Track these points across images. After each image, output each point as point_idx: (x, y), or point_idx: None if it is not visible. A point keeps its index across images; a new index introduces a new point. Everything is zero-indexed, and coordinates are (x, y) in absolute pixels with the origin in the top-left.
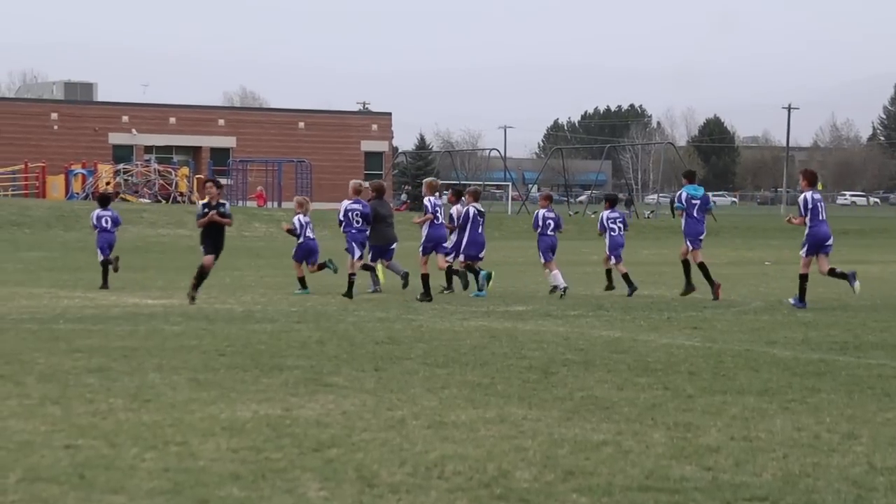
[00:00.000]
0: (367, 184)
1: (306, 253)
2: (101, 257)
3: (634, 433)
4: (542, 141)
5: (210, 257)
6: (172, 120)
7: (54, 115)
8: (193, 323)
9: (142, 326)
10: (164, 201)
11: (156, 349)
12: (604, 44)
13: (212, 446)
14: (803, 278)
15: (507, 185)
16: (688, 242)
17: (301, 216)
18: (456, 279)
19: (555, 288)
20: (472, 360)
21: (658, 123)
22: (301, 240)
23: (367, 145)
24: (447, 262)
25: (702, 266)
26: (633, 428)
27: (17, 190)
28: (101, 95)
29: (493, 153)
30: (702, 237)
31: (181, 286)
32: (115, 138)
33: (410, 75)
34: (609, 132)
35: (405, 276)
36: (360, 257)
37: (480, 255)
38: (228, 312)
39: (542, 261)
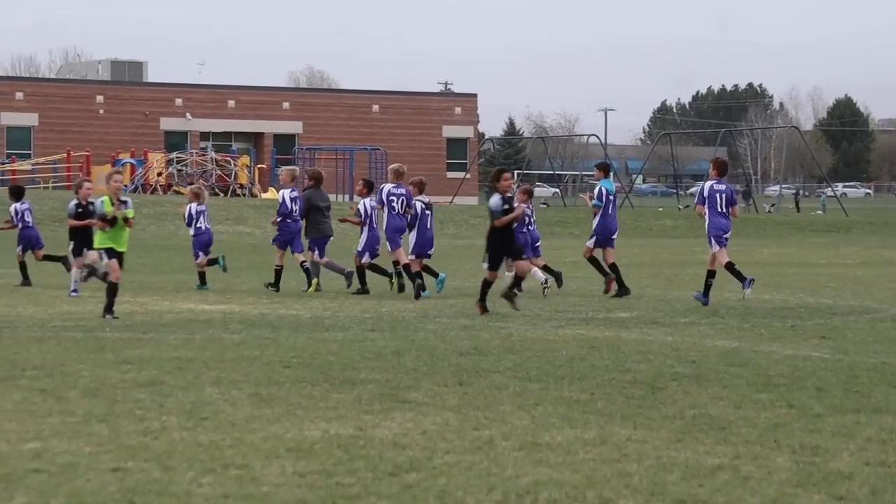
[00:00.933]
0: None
1: (202, 245)
2: (22, 257)
3: (754, 457)
4: (648, 125)
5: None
6: (231, 103)
7: (100, 98)
8: (255, 331)
9: (198, 335)
10: (222, 194)
11: (213, 360)
12: (718, 15)
13: (276, 470)
14: None
15: None
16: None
17: (195, 205)
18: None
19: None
20: (569, 373)
21: (780, 105)
22: (192, 231)
23: (450, 131)
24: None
25: (613, 266)
26: (752, 451)
27: (59, 182)
28: (152, 76)
29: (592, 139)
30: (726, 235)
31: (242, 289)
32: (168, 124)
33: (499, 51)
34: (724, 115)
35: (349, 276)
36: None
37: (429, 252)
38: (294, 319)
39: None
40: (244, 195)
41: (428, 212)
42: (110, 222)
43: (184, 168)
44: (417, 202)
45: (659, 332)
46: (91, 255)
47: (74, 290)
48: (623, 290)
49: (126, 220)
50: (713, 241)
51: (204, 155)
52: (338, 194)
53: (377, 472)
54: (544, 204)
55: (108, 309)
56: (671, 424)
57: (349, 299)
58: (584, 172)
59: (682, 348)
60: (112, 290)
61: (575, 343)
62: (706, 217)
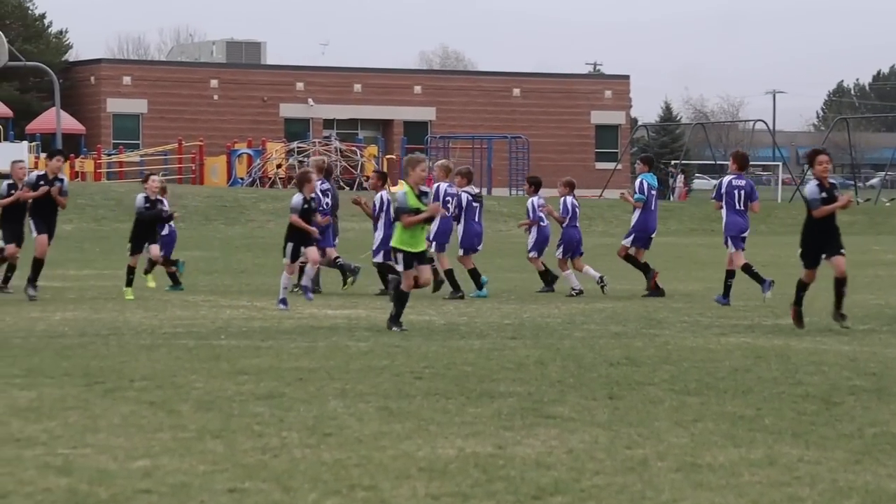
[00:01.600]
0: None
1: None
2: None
3: None
4: (822, 109)
5: (44, 237)
6: (357, 87)
7: (214, 83)
8: (384, 338)
9: (321, 343)
10: (347, 188)
11: (337, 371)
12: None
13: (407, 491)
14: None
15: (777, 166)
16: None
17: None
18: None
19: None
20: (732, 386)
21: None
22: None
23: (599, 116)
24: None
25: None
26: None
27: (170, 174)
28: (271, 57)
29: (759, 125)
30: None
31: (369, 293)
32: (288, 110)
33: (652, 27)
34: None
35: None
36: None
37: (478, 248)
38: (427, 325)
39: (560, 257)
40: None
41: (476, 204)
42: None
43: (305, 159)
44: (464, 194)
45: (834, 341)
46: (153, 250)
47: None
48: (657, 292)
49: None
50: (729, 242)
51: (327, 144)
52: (479, 187)
53: (518, 494)
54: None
55: (394, 318)
56: (848, 444)
57: (486, 303)
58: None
59: (860, 359)
60: (400, 299)
61: (739, 353)
62: (723, 215)
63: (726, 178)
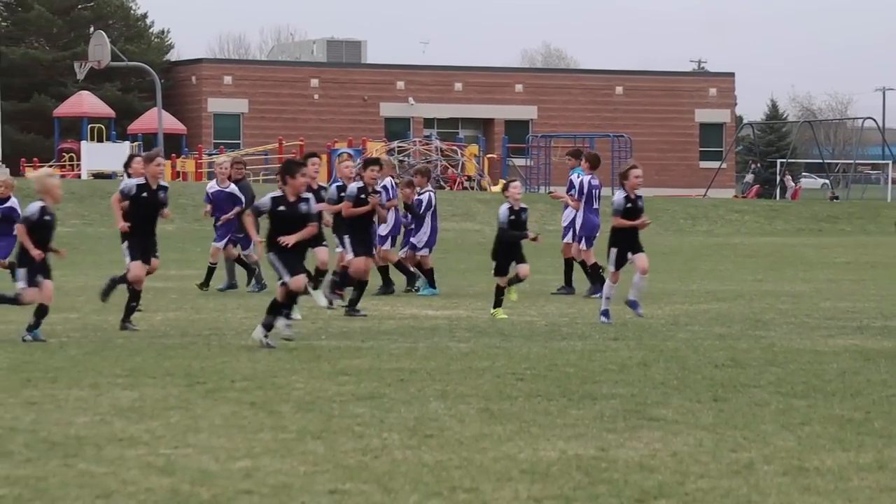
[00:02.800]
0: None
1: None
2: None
3: None
4: None
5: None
6: (458, 86)
7: (314, 82)
8: (484, 339)
9: (421, 343)
10: (447, 187)
11: (438, 372)
12: None
13: (508, 493)
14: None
15: (887, 164)
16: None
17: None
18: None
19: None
20: (841, 388)
21: None
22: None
23: (703, 115)
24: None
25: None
26: None
27: (271, 174)
28: (371, 56)
29: (868, 123)
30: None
31: (469, 293)
32: (388, 109)
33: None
34: None
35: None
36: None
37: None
38: (528, 326)
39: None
40: (473, 188)
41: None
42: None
43: (405, 158)
44: (428, 193)
45: None
46: (320, 254)
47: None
48: (568, 289)
49: None
50: (584, 241)
51: (428, 144)
52: None
53: (622, 497)
54: (835, 197)
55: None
56: None
57: (588, 304)
58: (857, 161)
59: None
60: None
61: (847, 355)
62: (581, 213)
63: (586, 178)
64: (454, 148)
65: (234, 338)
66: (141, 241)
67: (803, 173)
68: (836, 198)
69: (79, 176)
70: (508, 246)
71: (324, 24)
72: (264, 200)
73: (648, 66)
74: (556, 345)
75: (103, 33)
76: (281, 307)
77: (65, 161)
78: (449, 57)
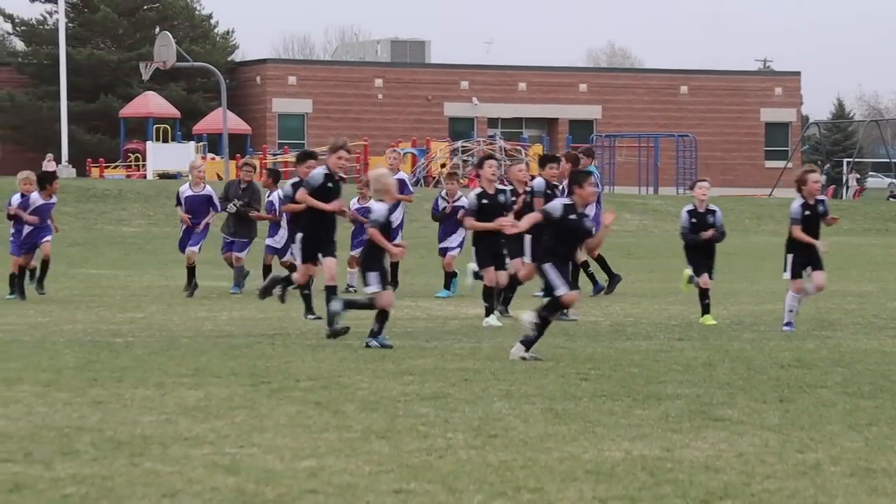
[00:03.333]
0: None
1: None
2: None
3: None
4: None
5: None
6: (522, 85)
7: (378, 82)
8: (549, 340)
9: (485, 343)
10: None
11: (503, 372)
12: None
13: (573, 494)
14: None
15: None
16: None
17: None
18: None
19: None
20: None
21: None
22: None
23: (769, 114)
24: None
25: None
26: None
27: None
28: (435, 56)
29: None
30: None
31: (531, 294)
32: (452, 109)
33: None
34: None
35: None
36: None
37: None
38: (592, 327)
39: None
40: None
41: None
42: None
43: (470, 158)
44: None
45: None
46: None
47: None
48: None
49: None
50: None
51: (492, 143)
52: (640, 186)
53: (687, 498)
54: (894, 196)
55: None
56: None
57: (654, 304)
58: None
59: None
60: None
61: None
62: None
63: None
64: (518, 148)
65: (299, 338)
66: (318, 236)
67: (870, 173)
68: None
69: (144, 176)
70: (693, 248)
71: (388, 24)
72: (555, 205)
73: (713, 66)
74: (620, 345)
75: (169, 34)
76: (547, 321)
77: (130, 161)
78: (513, 57)
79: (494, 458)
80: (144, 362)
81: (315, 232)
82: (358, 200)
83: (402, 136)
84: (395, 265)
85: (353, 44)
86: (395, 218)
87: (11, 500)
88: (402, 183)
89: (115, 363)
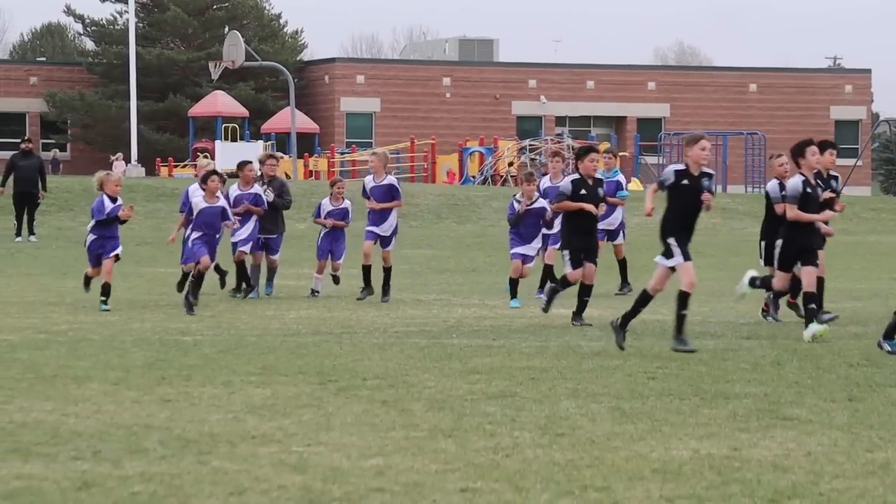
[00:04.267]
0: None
1: None
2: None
3: None
4: None
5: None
6: (590, 84)
7: (446, 81)
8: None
9: (552, 342)
10: None
11: (570, 371)
12: None
13: (640, 493)
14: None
15: None
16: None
17: None
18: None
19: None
20: None
21: None
22: None
23: (839, 112)
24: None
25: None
26: None
27: (402, 172)
28: (503, 55)
29: None
30: None
31: (599, 292)
32: (520, 107)
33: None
34: None
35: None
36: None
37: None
38: (659, 325)
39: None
40: None
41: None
42: None
43: (538, 157)
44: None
45: None
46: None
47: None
48: (628, 287)
49: None
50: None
51: (560, 142)
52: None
53: (755, 497)
54: None
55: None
56: None
57: (720, 303)
58: None
59: None
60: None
61: None
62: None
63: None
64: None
65: (366, 336)
66: (684, 235)
67: None
68: None
69: None
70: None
71: (456, 22)
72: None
73: (783, 64)
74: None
75: (238, 33)
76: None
77: (199, 161)
78: (581, 55)
79: (561, 457)
80: (212, 361)
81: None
82: (330, 201)
83: (470, 134)
84: (387, 271)
85: (421, 43)
86: (390, 225)
87: (80, 499)
88: (392, 188)
89: (183, 361)
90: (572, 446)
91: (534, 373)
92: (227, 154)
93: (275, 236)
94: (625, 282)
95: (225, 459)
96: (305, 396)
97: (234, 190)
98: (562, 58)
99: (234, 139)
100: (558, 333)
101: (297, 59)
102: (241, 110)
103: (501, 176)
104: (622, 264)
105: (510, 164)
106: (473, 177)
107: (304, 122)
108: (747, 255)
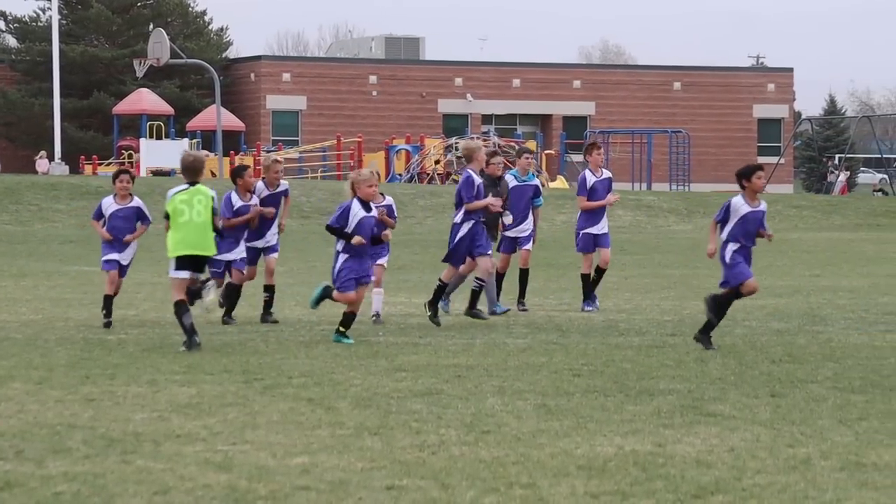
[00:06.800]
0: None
1: None
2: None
3: None
4: None
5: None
6: (516, 82)
7: (373, 79)
8: (541, 335)
9: (478, 340)
10: None
11: (496, 368)
12: None
13: (565, 489)
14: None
15: None
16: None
17: None
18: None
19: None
20: None
21: None
22: None
23: (761, 110)
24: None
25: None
26: None
27: (329, 171)
28: (430, 53)
29: None
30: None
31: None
32: (446, 106)
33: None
34: None
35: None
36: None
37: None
38: (585, 322)
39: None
40: None
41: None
42: None
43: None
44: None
45: None
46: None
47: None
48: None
49: None
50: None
51: (486, 140)
52: (634, 182)
53: (678, 493)
54: (880, 191)
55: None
56: None
57: (646, 300)
58: None
59: None
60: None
61: None
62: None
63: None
64: (512, 144)
65: (292, 334)
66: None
67: (861, 168)
68: (882, 192)
69: (137, 173)
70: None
71: (382, 20)
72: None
73: (706, 62)
74: (613, 340)
75: (162, 31)
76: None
77: (123, 158)
78: (507, 53)
79: (487, 454)
80: (137, 359)
81: None
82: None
83: (396, 132)
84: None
85: (348, 41)
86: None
87: (2, 499)
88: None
89: (107, 360)
90: (498, 443)
91: (460, 370)
92: (152, 152)
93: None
94: (521, 297)
95: (149, 458)
96: (231, 395)
97: (236, 200)
98: (488, 56)
99: (158, 137)
100: (484, 331)
101: (223, 56)
102: (167, 108)
103: (428, 174)
104: (523, 275)
105: (437, 163)
106: (400, 175)
107: (229, 120)
108: (671, 252)
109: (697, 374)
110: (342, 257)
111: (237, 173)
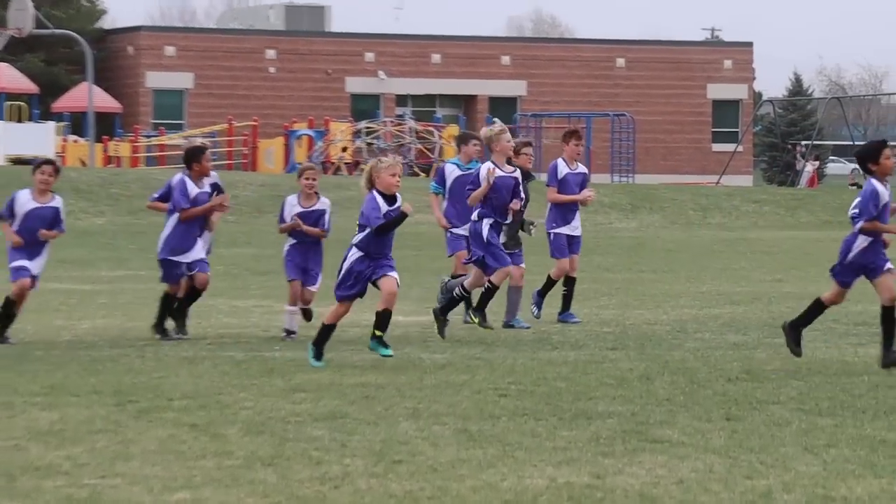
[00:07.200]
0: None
1: None
2: None
3: None
4: None
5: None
6: (436, 58)
7: (270, 53)
8: (463, 349)
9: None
10: (423, 174)
11: (409, 388)
12: None
13: None
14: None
15: None
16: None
17: None
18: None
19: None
20: (872, 405)
21: None
22: None
23: (717, 90)
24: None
25: None
26: None
27: (218, 159)
28: (336, 24)
29: None
30: None
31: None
32: (355, 84)
33: None
34: None
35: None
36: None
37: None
38: (513, 335)
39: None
40: None
41: None
42: None
43: (375, 142)
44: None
45: None
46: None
47: None
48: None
49: None
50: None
51: (401, 124)
52: None
53: None
54: (856, 185)
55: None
56: None
57: (584, 307)
58: (893, 142)
59: None
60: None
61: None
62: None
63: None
64: (430, 129)
65: (173, 349)
66: None
67: (831, 157)
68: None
69: None
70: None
71: None
72: None
73: (654, 36)
74: (545, 355)
75: None
76: None
77: None
78: (426, 25)
79: (398, 488)
80: None
81: None
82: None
83: (298, 115)
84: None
85: (242, 9)
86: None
87: None
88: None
89: None
90: (411, 475)
91: (368, 390)
92: (12, 137)
93: None
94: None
95: (3, 496)
96: (100, 420)
97: (192, 187)
98: (403, 28)
99: (19, 120)
100: (396, 345)
101: (96, 27)
102: (30, 86)
103: (333, 163)
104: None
105: (344, 150)
106: (300, 163)
107: (103, 100)
108: (612, 253)
109: (642, 395)
110: (354, 254)
111: (193, 156)
